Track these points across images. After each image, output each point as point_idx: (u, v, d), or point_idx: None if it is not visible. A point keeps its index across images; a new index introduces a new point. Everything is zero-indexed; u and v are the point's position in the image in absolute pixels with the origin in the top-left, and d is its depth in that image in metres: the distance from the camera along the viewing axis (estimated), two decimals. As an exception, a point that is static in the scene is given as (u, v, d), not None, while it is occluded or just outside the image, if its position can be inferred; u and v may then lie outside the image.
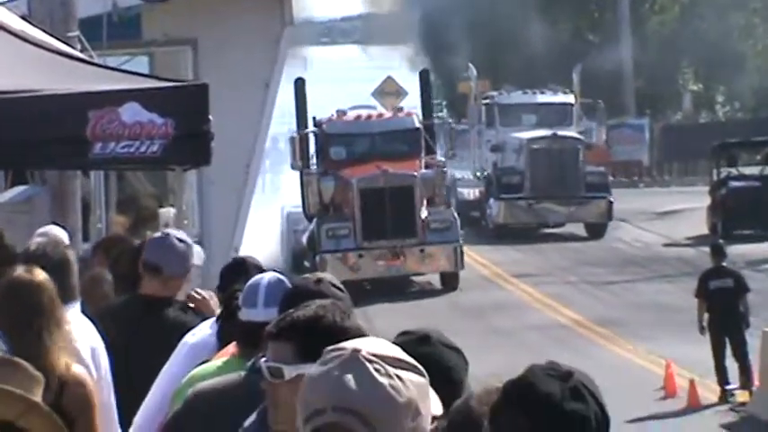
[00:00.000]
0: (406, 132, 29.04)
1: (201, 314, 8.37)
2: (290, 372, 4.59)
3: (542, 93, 41.47)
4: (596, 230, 38.72)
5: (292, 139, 29.27)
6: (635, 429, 17.64)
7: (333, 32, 74.35)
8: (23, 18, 11.02)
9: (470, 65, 47.92)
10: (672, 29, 64.32)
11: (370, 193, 27.34)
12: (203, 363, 6.77)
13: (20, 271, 7.49)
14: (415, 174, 27.76)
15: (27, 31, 10.03)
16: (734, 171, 41.85)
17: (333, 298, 4.84)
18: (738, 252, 30.36)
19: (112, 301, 9.12)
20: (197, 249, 9.28)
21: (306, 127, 29.49)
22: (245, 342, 6.27)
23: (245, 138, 21.45)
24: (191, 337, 7.52)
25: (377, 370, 3.41)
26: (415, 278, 27.96)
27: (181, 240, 8.76)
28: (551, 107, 39.84)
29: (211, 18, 21.62)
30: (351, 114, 30.53)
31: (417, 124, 29.10)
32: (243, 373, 5.84)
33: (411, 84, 60.91)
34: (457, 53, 61.95)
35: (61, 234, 9.97)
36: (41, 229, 10.15)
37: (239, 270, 7.73)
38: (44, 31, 10.60)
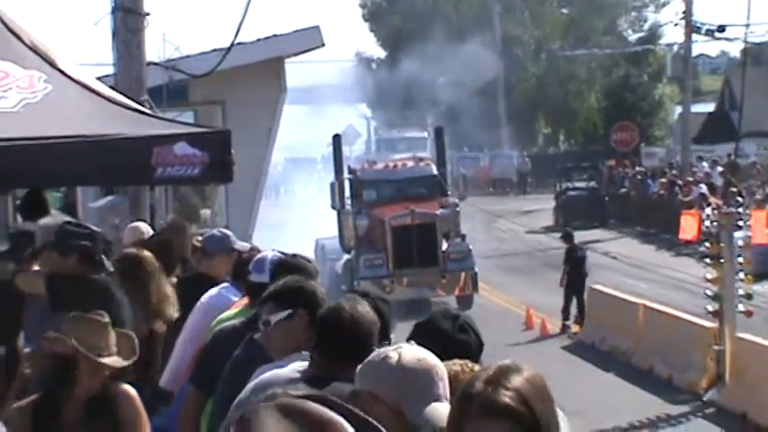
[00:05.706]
0: (425, 178, 24.62)
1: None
2: (274, 319, 4.81)
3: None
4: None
5: (332, 184, 24.78)
6: (508, 349, 17.66)
7: (309, 96, 72.64)
8: (112, 87, 10.97)
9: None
10: (530, 93, 64.42)
11: (400, 228, 23.11)
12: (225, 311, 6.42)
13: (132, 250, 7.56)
14: (437, 212, 23.50)
15: (114, 96, 9.99)
16: (570, 185, 42.06)
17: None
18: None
19: None
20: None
21: (341, 174, 24.93)
22: (254, 296, 5.98)
23: (255, 163, 21.28)
24: (204, 297, 7.08)
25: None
26: (434, 299, 22.96)
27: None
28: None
29: (234, 87, 21.54)
30: (380, 164, 26.39)
31: (435, 171, 24.71)
32: (244, 320, 5.80)
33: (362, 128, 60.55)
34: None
35: (146, 228, 9.86)
36: (133, 224, 9.96)
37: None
38: (125, 95, 10.54)
